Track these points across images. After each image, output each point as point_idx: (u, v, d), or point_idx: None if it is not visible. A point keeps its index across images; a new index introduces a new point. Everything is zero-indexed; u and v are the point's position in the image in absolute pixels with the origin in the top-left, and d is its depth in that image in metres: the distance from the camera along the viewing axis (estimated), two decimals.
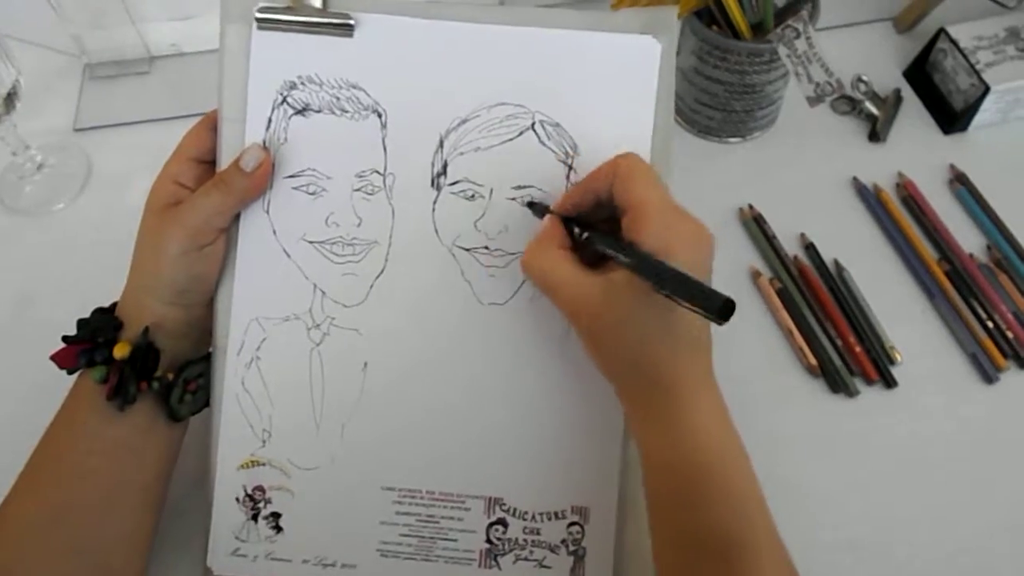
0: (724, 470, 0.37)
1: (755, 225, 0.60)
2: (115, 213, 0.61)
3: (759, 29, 0.57)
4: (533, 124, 0.44)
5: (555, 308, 0.40)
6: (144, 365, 0.43)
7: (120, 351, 0.42)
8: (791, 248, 0.60)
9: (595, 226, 0.41)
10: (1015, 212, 0.60)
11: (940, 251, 0.59)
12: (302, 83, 0.44)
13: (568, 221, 0.42)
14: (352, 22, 0.44)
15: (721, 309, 0.31)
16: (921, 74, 0.67)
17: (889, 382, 0.54)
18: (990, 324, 0.56)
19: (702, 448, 0.37)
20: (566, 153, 0.44)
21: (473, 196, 0.44)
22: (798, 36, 0.53)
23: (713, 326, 0.34)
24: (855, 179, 0.63)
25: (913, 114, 0.67)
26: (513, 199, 0.44)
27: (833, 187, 0.63)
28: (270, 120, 0.44)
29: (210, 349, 0.46)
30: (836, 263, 0.59)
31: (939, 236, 0.60)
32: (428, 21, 0.44)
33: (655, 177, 0.40)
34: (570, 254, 0.40)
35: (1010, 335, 0.56)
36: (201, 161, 0.45)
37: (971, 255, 0.59)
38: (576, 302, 0.39)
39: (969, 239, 0.60)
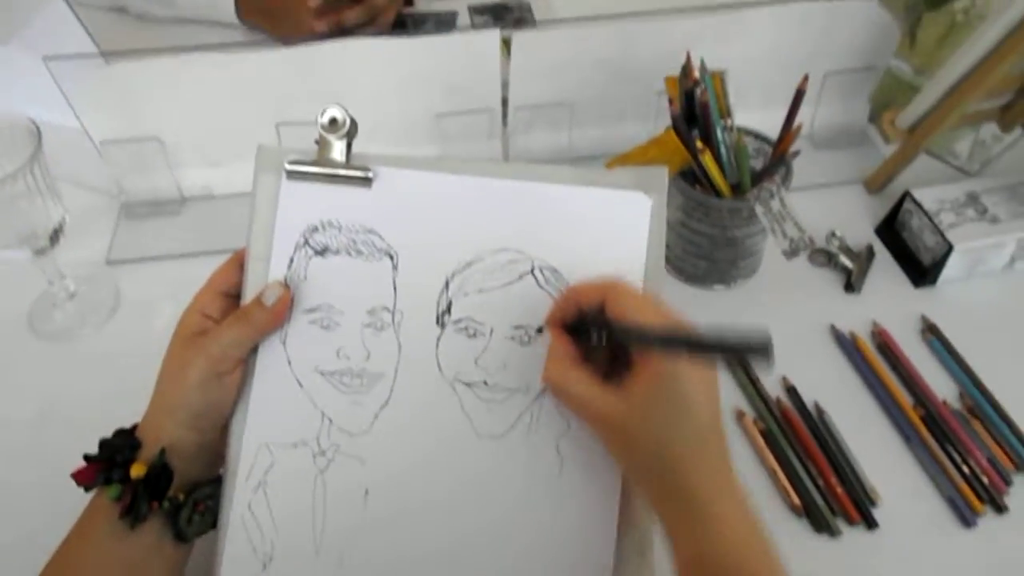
0: (753, 567, 0.39)
1: (740, 367, 0.64)
2: (139, 340, 0.64)
3: (738, 189, 0.63)
4: (532, 269, 0.49)
5: (549, 442, 0.43)
6: (157, 485, 0.45)
7: (136, 471, 0.45)
8: (774, 390, 0.63)
9: (602, 323, 0.43)
10: (984, 362, 0.64)
11: (915, 397, 0.62)
12: (323, 227, 0.49)
13: (573, 330, 0.45)
14: (371, 175, 0.49)
15: (764, 345, 0.32)
16: (891, 231, 0.73)
17: (871, 523, 0.56)
18: (966, 469, 0.58)
19: (730, 547, 0.39)
20: None
21: (475, 334, 0.48)
22: (772, 197, 0.59)
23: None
24: (833, 327, 0.67)
25: (886, 268, 0.71)
26: (512, 338, 0.48)
27: (813, 333, 0.67)
28: (292, 259, 0.49)
29: (220, 472, 0.48)
30: (817, 406, 0.62)
31: (914, 383, 0.63)
32: (439, 175, 0.49)
33: (648, 300, 0.44)
34: (585, 371, 0.43)
35: (986, 480, 0.58)
36: (228, 295, 0.49)
37: (945, 401, 0.62)
38: (601, 419, 0.42)
39: (942, 386, 0.63)
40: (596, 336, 0.43)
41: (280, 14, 0.90)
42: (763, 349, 0.33)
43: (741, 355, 0.34)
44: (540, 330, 0.47)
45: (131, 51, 0.69)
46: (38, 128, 0.58)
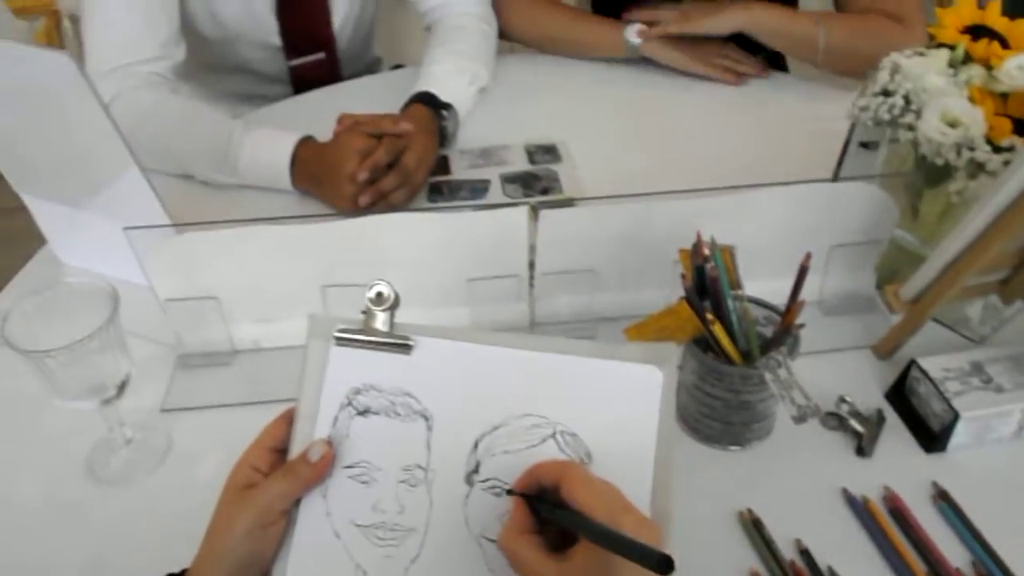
0: None
1: (754, 528, 0.66)
2: (188, 487, 0.69)
3: (748, 356, 0.68)
4: (554, 433, 0.53)
5: None
6: None
7: None
8: (788, 552, 0.65)
9: (556, 503, 0.48)
10: (997, 530, 0.66)
11: (928, 564, 0.64)
12: (365, 390, 0.54)
13: (535, 501, 0.49)
14: (411, 343, 0.55)
15: (659, 562, 0.39)
16: (901, 397, 0.76)
17: None
18: None
19: None
20: (581, 459, 0.53)
21: (500, 493, 0.52)
22: (779, 365, 0.63)
23: None
24: (845, 490, 0.69)
25: (896, 432, 0.74)
26: None
27: (825, 496, 0.69)
28: (336, 419, 0.54)
29: None
30: (831, 570, 0.64)
31: (926, 549, 0.65)
32: (472, 345, 0.55)
33: (597, 487, 0.47)
34: (535, 539, 0.47)
35: None
36: (276, 450, 0.54)
37: (958, 569, 0.64)
38: None
39: (955, 553, 0.65)
40: (546, 511, 0.48)
41: (327, 183, 1.00)
42: (661, 566, 0.40)
43: (639, 559, 0.41)
44: (509, 492, 0.51)
45: (199, 223, 0.78)
46: (116, 292, 0.65)
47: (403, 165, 0.98)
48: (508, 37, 1.33)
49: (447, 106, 1.11)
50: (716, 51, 1.25)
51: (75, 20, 2.29)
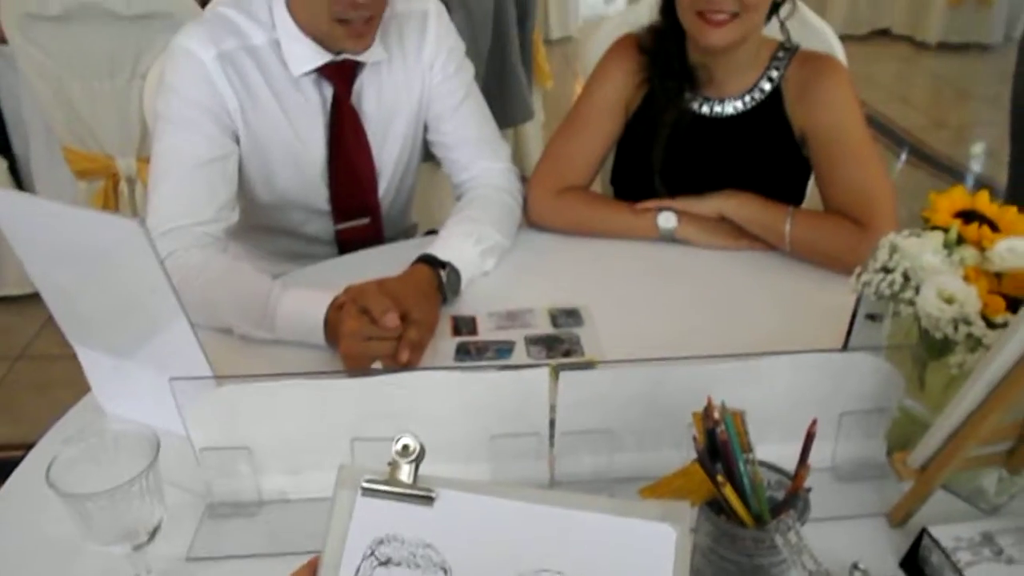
0: None
1: None
2: None
3: (760, 519, 0.69)
4: None
5: None
6: None
7: None
8: None
9: None
10: None
11: None
12: (388, 540, 0.57)
13: None
14: (434, 495, 0.57)
15: None
16: (915, 565, 0.77)
17: None
18: None
19: None
20: None
21: None
22: (790, 529, 0.65)
23: None
24: None
25: None
26: None
27: None
28: (359, 568, 0.56)
29: None
30: None
31: None
32: (492, 498, 0.58)
33: None
34: None
35: None
36: None
37: None
38: None
39: None
40: None
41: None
42: None
43: None
44: None
45: (238, 375, 0.83)
46: (158, 438, 0.70)
47: (407, 339, 1.04)
48: (538, 226, 1.41)
49: (445, 264, 1.19)
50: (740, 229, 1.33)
51: (131, 182, 2.47)
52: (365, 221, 1.43)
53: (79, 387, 1.03)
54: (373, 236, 1.45)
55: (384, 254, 1.38)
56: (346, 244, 1.44)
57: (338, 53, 1.28)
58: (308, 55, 1.26)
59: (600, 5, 6.81)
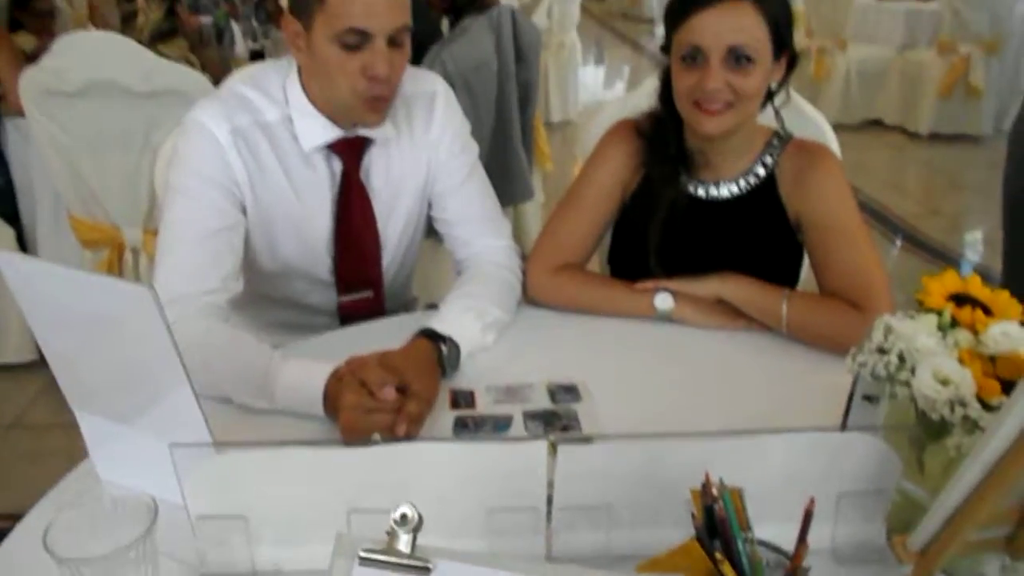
0: None
1: None
2: None
3: None
4: None
5: None
6: None
7: None
8: None
9: None
10: None
11: None
12: None
13: None
14: (431, 566, 0.57)
15: None
16: None
17: None
18: None
19: None
20: None
21: None
22: None
23: None
24: None
25: None
26: None
27: None
28: None
29: None
30: None
31: None
32: (490, 570, 0.58)
33: None
34: None
35: None
36: None
37: None
38: None
39: None
40: None
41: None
42: None
43: None
44: None
45: (239, 442, 0.83)
46: (156, 505, 0.69)
47: (406, 411, 1.05)
48: (536, 303, 1.42)
49: (445, 339, 1.20)
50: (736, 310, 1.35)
51: (136, 253, 2.50)
52: (368, 294, 1.45)
53: (73, 457, 1.03)
54: (374, 309, 1.47)
55: (385, 327, 1.39)
56: (348, 316, 1.46)
57: (350, 129, 1.32)
58: (320, 131, 1.31)
59: (599, 91, 7.02)
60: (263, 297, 1.45)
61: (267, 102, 1.30)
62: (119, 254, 2.45)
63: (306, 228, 1.36)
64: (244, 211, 1.31)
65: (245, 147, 1.27)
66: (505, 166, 2.82)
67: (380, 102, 1.27)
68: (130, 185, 2.28)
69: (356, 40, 1.20)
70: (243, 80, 1.33)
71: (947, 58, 5.00)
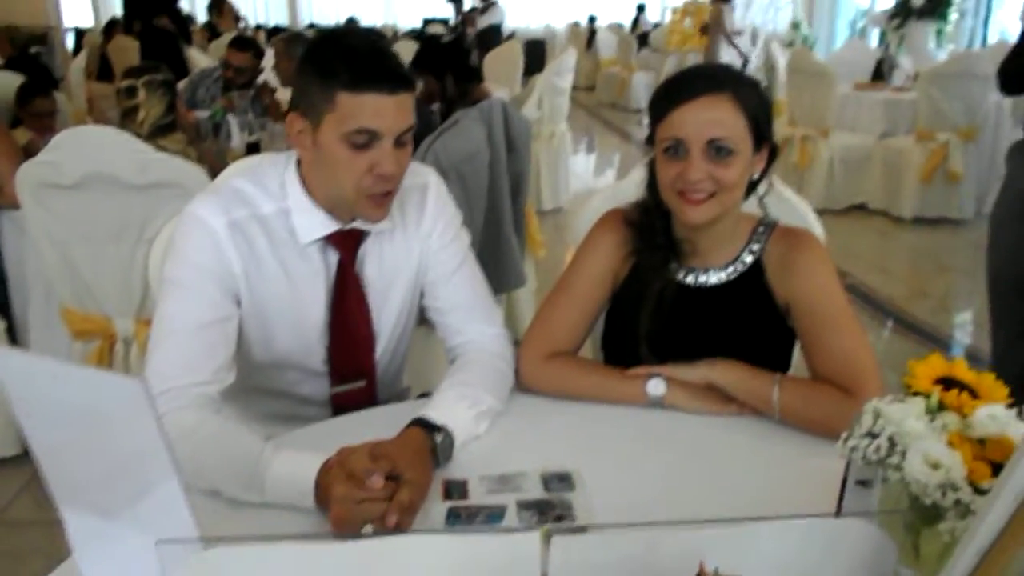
0: None
1: None
2: None
3: None
4: None
5: None
6: None
7: None
8: None
9: None
10: None
11: None
12: None
13: None
14: None
15: None
16: None
17: None
18: None
19: None
20: None
21: None
22: None
23: None
24: None
25: None
26: None
27: None
28: None
29: None
30: None
31: None
32: None
33: None
34: None
35: None
36: None
37: None
38: None
39: None
40: None
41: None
42: None
43: None
44: None
45: (227, 537, 0.82)
46: None
47: (398, 501, 1.04)
48: (529, 391, 1.42)
49: (439, 428, 1.20)
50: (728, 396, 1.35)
51: (128, 344, 2.50)
52: (361, 384, 1.45)
53: (53, 556, 1.01)
54: (367, 399, 1.46)
55: (377, 417, 1.39)
56: (340, 406, 1.45)
57: (347, 222, 1.35)
58: (317, 225, 1.33)
59: (590, 179, 7.17)
60: (255, 388, 1.45)
61: (264, 195, 1.33)
62: (110, 345, 2.45)
63: (300, 319, 1.37)
64: (239, 303, 1.32)
65: (242, 240, 1.30)
66: (498, 254, 2.86)
67: (385, 198, 1.30)
68: (124, 276, 2.30)
69: (365, 140, 1.24)
70: (240, 174, 1.36)
71: (926, 145, 5.15)
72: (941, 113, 5.10)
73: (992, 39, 6.94)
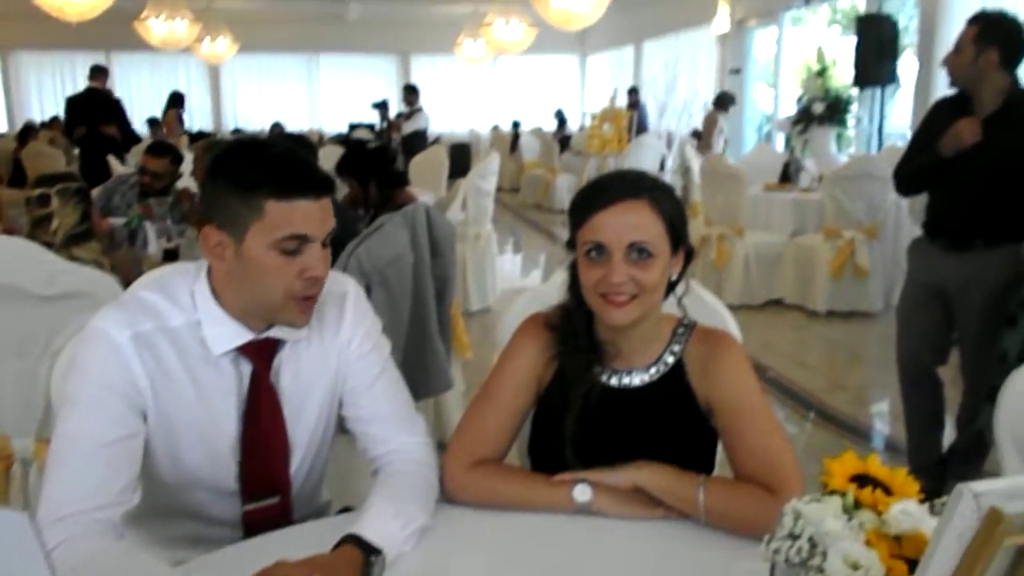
0: None
1: None
2: None
3: None
4: None
5: None
6: None
7: None
8: None
9: None
10: None
11: None
12: None
13: None
14: None
15: None
16: None
17: None
18: None
19: None
20: None
21: None
22: None
23: None
24: None
25: None
26: None
27: None
28: None
29: None
30: None
31: None
32: None
33: None
34: None
35: None
36: None
37: None
38: None
39: None
40: None
41: None
42: None
43: None
44: None
45: None
46: None
47: None
48: (453, 501, 1.39)
49: (376, 551, 1.16)
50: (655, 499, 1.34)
51: (27, 464, 2.35)
52: (274, 500, 1.39)
53: None
54: (282, 517, 1.40)
55: (293, 536, 1.32)
56: (252, 526, 1.37)
57: (263, 331, 1.32)
58: (230, 335, 1.30)
59: (517, 278, 7.26)
60: (161, 510, 1.37)
61: (173, 307, 1.29)
62: (6, 466, 2.30)
63: (210, 433, 1.32)
64: (145, 418, 1.26)
65: (148, 353, 1.25)
66: (424, 358, 2.83)
67: (310, 302, 1.30)
68: (24, 393, 2.18)
69: (296, 245, 1.25)
70: (147, 286, 1.33)
71: (834, 242, 5.39)
72: (845, 212, 5.37)
73: (887, 143, 7.42)
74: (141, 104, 14.04)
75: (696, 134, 9.60)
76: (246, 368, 1.33)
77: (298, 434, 1.39)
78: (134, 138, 7.70)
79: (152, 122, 10.73)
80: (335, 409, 1.44)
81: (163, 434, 1.29)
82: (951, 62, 2.68)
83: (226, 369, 1.32)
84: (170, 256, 3.10)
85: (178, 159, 3.90)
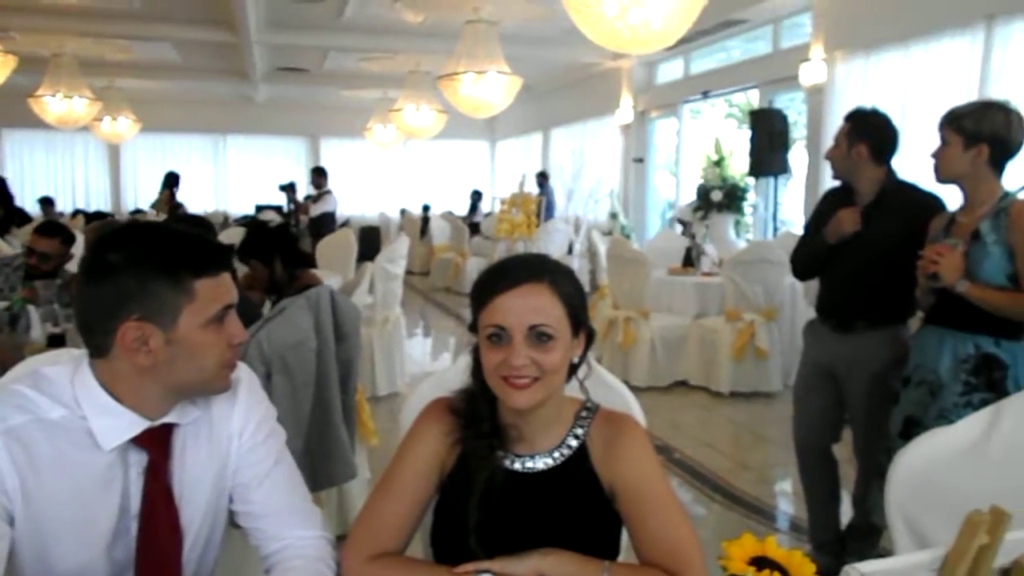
0: None
1: None
2: None
3: None
4: None
5: None
6: None
7: None
8: None
9: None
10: None
11: None
12: None
13: None
14: None
15: None
16: None
17: None
18: None
19: None
20: None
21: None
22: None
23: None
24: None
25: None
26: None
27: None
28: None
29: None
30: None
31: None
32: None
33: None
34: None
35: None
36: None
37: None
38: None
39: None
40: None
41: None
42: None
43: None
44: None
45: None
46: None
47: None
48: None
49: None
50: None
51: None
52: None
53: None
54: None
55: None
56: None
57: (159, 418, 1.25)
58: (123, 426, 1.23)
59: (426, 362, 7.19)
60: None
61: (49, 401, 1.21)
62: None
63: (86, 532, 1.22)
64: (11, 522, 1.16)
65: (19, 449, 1.16)
66: (327, 446, 2.74)
67: (235, 365, 1.33)
68: None
69: (223, 315, 1.26)
70: (20, 380, 1.24)
71: (735, 325, 5.57)
72: (745, 295, 5.58)
73: (781, 229, 7.81)
74: (34, 182, 13.56)
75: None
76: (134, 458, 1.25)
77: (185, 527, 1.30)
78: (20, 216, 7.40)
79: (44, 201, 10.35)
80: (224, 502, 1.36)
81: (32, 536, 1.18)
82: (830, 155, 2.87)
83: (113, 462, 1.23)
84: (56, 341, 2.94)
85: (69, 239, 3.75)
